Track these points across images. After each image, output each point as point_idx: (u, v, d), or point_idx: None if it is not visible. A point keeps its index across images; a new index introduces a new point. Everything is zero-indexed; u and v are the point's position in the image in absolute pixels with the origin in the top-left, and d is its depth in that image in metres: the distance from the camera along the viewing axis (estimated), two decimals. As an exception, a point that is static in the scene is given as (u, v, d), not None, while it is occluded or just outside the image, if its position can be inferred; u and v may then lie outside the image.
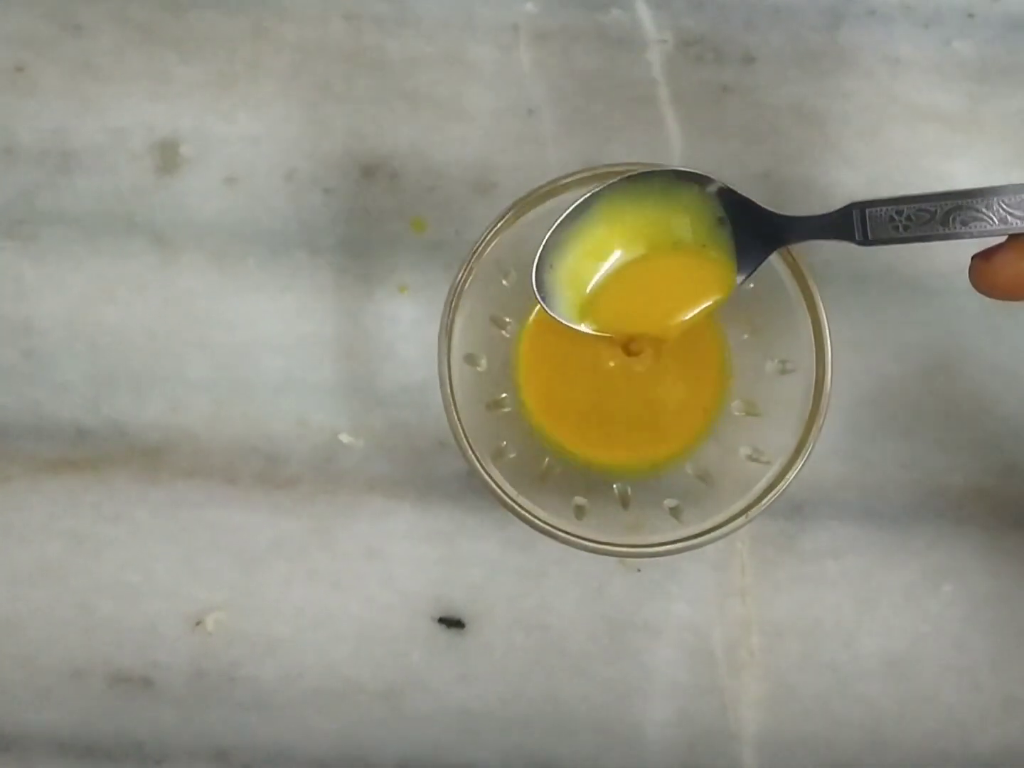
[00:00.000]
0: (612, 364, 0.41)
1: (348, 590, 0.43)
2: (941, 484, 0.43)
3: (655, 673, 0.43)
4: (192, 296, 0.44)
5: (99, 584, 0.43)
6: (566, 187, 0.37)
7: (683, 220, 0.36)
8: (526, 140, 0.44)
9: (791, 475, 0.37)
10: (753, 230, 0.35)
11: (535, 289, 0.36)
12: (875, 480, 0.43)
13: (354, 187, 0.43)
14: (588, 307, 0.37)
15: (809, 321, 0.37)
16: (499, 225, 0.37)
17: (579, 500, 0.39)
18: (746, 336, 0.41)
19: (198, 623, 0.43)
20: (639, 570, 0.43)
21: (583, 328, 0.37)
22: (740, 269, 0.36)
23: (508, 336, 0.42)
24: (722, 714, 0.43)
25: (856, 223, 0.33)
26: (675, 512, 0.39)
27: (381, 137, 0.44)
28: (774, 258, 0.37)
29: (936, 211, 0.32)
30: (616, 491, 0.41)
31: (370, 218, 0.44)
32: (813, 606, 0.43)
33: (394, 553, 0.43)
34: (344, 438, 0.43)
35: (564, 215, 0.35)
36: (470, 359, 0.39)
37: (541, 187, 0.37)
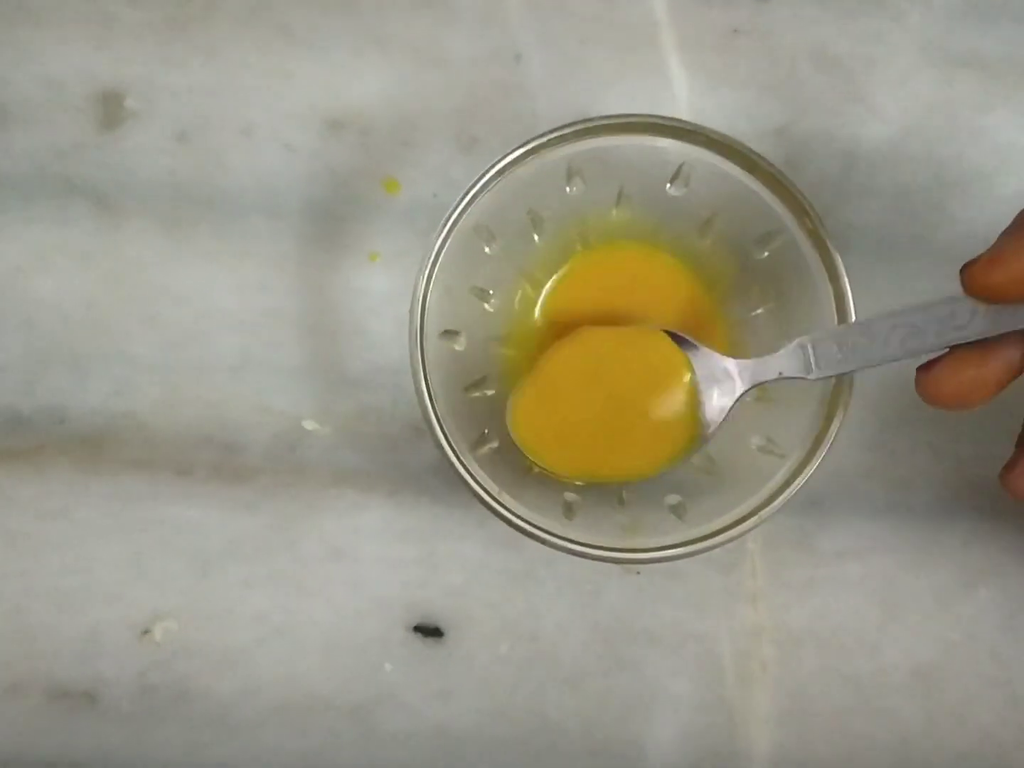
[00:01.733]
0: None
1: (313, 595, 0.42)
2: (976, 476, 0.42)
3: (656, 687, 0.42)
4: (138, 266, 0.43)
5: (36, 588, 0.42)
6: (556, 143, 0.36)
7: (646, 367, 0.37)
8: (512, 90, 0.43)
9: (809, 470, 0.36)
10: (714, 375, 0.36)
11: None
12: (902, 471, 0.42)
13: (319, 143, 0.43)
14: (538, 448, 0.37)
15: (831, 294, 0.36)
16: (480, 185, 0.36)
17: (569, 496, 0.38)
18: (760, 310, 0.39)
19: (146, 632, 0.42)
20: (638, 572, 0.42)
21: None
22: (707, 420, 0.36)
23: (491, 310, 0.40)
24: (731, 732, 0.42)
25: (809, 357, 0.35)
26: (677, 510, 0.38)
27: (349, 87, 0.43)
28: (791, 223, 0.36)
29: (877, 332, 0.34)
30: (611, 486, 0.39)
31: (337, 178, 0.43)
32: (832, 612, 0.42)
33: (364, 553, 0.42)
34: (308, 425, 0.42)
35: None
36: (447, 336, 0.38)
37: (528, 142, 0.36)
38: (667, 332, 0.36)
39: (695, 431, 0.36)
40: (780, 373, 0.35)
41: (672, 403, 0.36)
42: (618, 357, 0.36)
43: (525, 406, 0.37)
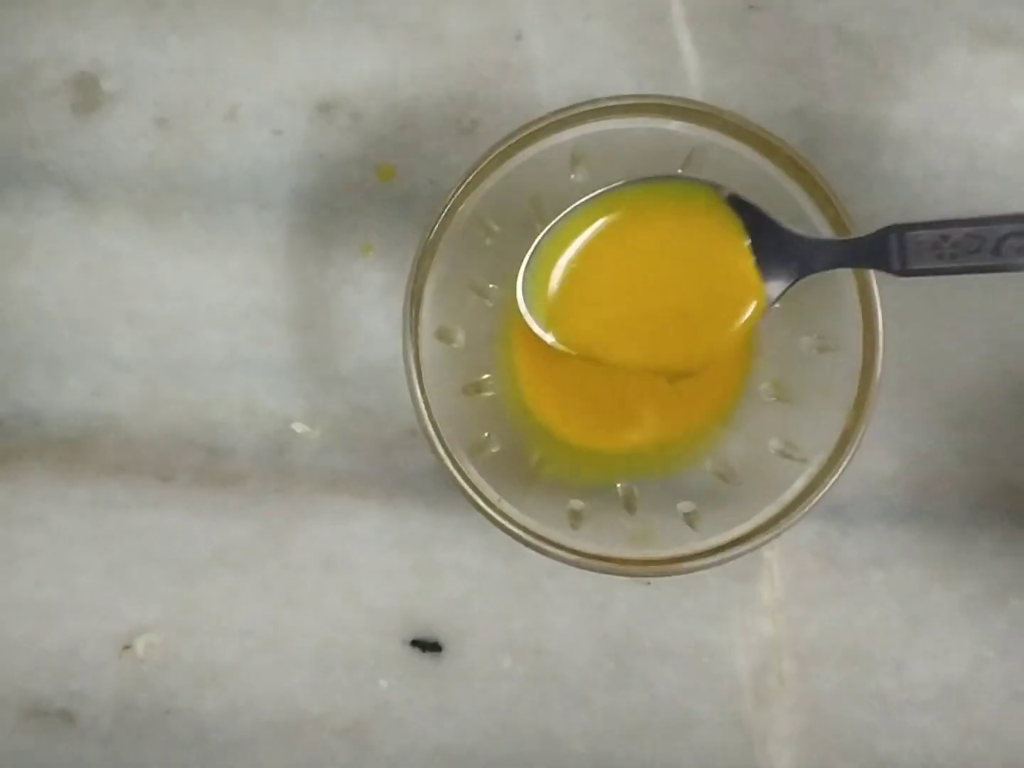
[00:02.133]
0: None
1: (303, 606, 0.42)
2: (1007, 480, 0.42)
3: (668, 704, 0.42)
4: (117, 259, 0.42)
5: (10, 601, 0.42)
6: (560, 126, 0.36)
7: (699, 235, 0.35)
8: (513, 70, 0.42)
9: (833, 476, 0.35)
10: (775, 251, 0.34)
11: (523, 305, 0.35)
12: (929, 476, 0.42)
13: (308, 128, 0.42)
14: (590, 334, 0.36)
15: (855, 287, 0.35)
16: (479, 171, 0.35)
17: (575, 503, 0.38)
18: (776, 305, 0.38)
19: (127, 647, 0.42)
20: (648, 583, 0.42)
21: (570, 350, 0.36)
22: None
23: (492, 305, 0.40)
24: (748, 752, 0.42)
25: (894, 249, 0.32)
26: (691, 519, 0.37)
27: (340, 68, 0.42)
28: (812, 212, 0.36)
29: (987, 237, 0.31)
30: (620, 492, 0.39)
31: (328, 165, 0.42)
32: (855, 625, 0.42)
33: (358, 563, 0.42)
34: (298, 427, 0.42)
35: (558, 219, 0.35)
36: (443, 334, 0.38)
37: (529, 125, 0.35)
38: (712, 185, 0.34)
39: (756, 300, 0.34)
40: (858, 260, 0.33)
41: (728, 271, 0.34)
42: (661, 222, 0.35)
43: (566, 298, 0.35)
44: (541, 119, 0.35)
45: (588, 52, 0.42)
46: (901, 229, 0.32)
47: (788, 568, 0.42)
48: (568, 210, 0.35)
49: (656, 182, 0.35)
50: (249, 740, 0.42)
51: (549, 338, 0.35)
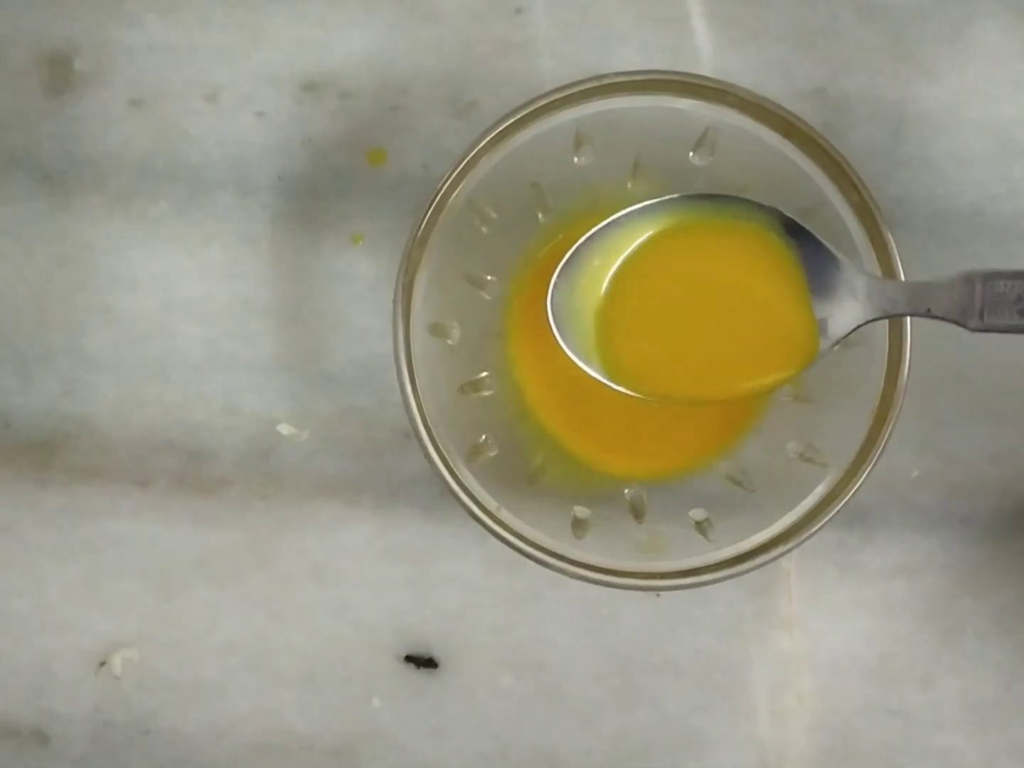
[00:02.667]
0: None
1: (290, 620, 0.42)
2: None
3: (678, 724, 0.42)
4: (90, 250, 0.42)
5: None
6: (562, 104, 0.35)
7: (755, 265, 0.34)
8: (513, 47, 0.42)
9: (856, 482, 0.34)
10: (833, 287, 0.33)
11: (550, 315, 0.34)
12: (958, 479, 0.41)
13: (294, 109, 0.42)
14: (637, 367, 0.35)
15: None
16: (474, 154, 0.35)
17: (579, 511, 0.38)
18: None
19: (103, 663, 0.42)
20: (658, 595, 0.41)
21: (609, 383, 0.35)
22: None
23: (489, 298, 0.39)
24: None
25: (976, 300, 0.30)
26: (703, 527, 0.37)
27: (328, 45, 0.42)
28: (834, 196, 0.35)
29: None
30: (628, 498, 0.38)
31: (315, 149, 0.42)
32: (878, 638, 0.42)
33: (348, 574, 0.42)
34: (284, 429, 0.42)
35: (600, 227, 0.34)
36: (437, 329, 0.37)
37: (529, 103, 0.35)
38: (771, 211, 0.33)
39: (814, 346, 0.33)
40: (928, 310, 0.31)
41: (785, 310, 0.33)
42: (717, 246, 0.34)
43: (611, 325, 0.34)
44: (541, 96, 0.35)
45: (593, 27, 0.41)
46: (984, 278, 0.30)
47: (806, 578, 0.41)
48: (613, 218, 0.34)
49: (714, 201, 0.34)
50: (233, 762, 0.42)
51: (592, 370, 0.34)
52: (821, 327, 0.33)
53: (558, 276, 0.34)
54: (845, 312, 0.32)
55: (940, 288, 0.31)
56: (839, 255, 0.33)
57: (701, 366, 0.34)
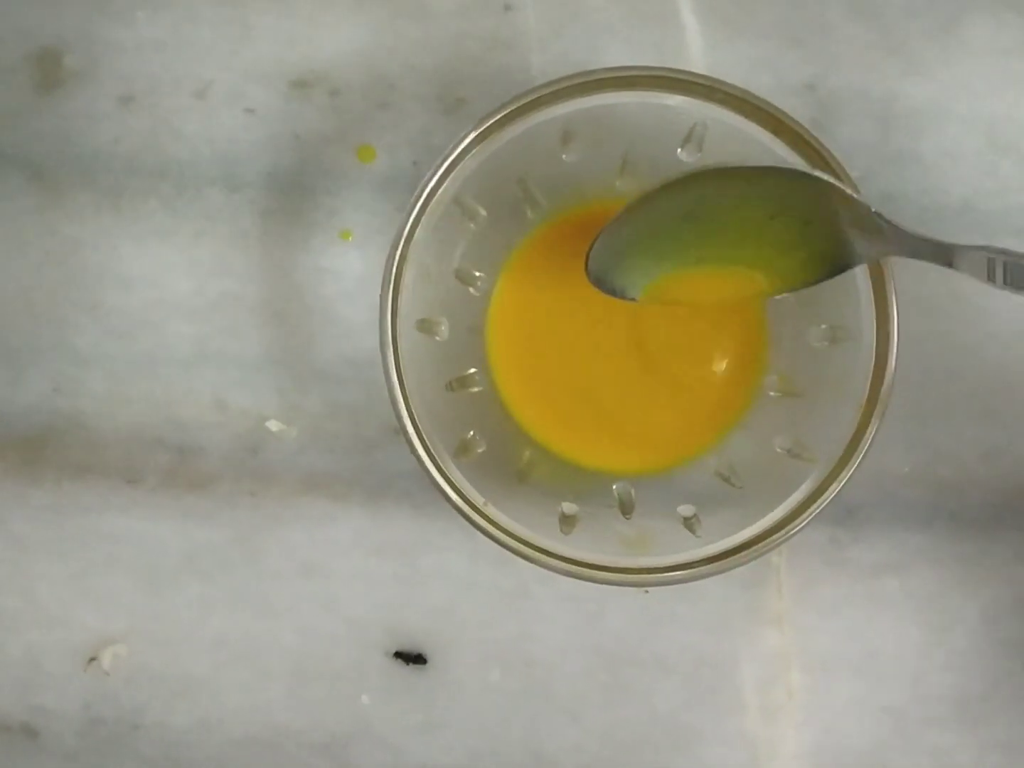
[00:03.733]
0: (614, 333, 0.39)
1: (279, 616, 0.42)
2: None
3: (667, 720, 0.42)
4: (79, 247, 0.42)
5: None
6: (550, 100, 0.35)
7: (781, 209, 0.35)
8: (502, 44, 0.42)
9: (844, 477, 0.34)
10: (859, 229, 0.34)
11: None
12: (947, 475, 0.41)
13: (283, 106, 0.42)
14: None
15: (868, 273, 0.35)
16: (461, 149, 0.35)
17: (567, 507, 0.38)
18: (785, 292, 0.38)
19: (92, 659, 0.42)
20: (646, 591, 0.41)
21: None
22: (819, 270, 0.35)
23: (477, 294, 0.39)
24: None
25: (995, 267, 0.31)
26: (691, 523, 0.37)
27: (317, 42, 0.42)
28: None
29: None
30: (616, 493, 0.38)
31: (304, 145, 0.42)
32: (868, 635, 0.42)
33: (337, 569, 0.42)
34: (273, 425, 0.42)
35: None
36: (425, 325, 0.37)
37: (516, 99, 0.35)
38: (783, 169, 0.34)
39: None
40: (951, 264, 0.32)
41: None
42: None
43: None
44: (529, 92, 0.34)
45: (582, 24, 0.41)
46: (1003, 254, 0.31)
47: (796, 574, 0.42)
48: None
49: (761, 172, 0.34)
50: (222, 757, 0.42)
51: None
52: (851, 250, 0.33)
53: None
54: (875, 247, 0.33)
55: (962, 252, 0.31)
56: (875, 210, 0.33)
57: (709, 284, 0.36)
